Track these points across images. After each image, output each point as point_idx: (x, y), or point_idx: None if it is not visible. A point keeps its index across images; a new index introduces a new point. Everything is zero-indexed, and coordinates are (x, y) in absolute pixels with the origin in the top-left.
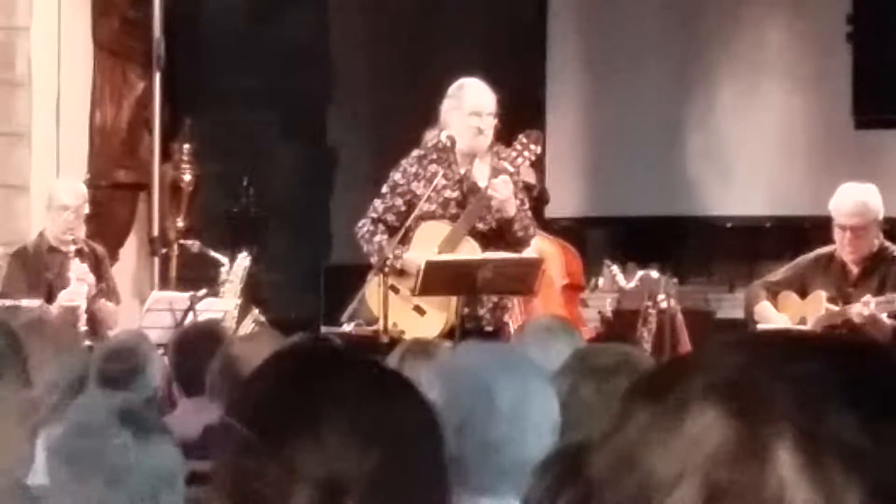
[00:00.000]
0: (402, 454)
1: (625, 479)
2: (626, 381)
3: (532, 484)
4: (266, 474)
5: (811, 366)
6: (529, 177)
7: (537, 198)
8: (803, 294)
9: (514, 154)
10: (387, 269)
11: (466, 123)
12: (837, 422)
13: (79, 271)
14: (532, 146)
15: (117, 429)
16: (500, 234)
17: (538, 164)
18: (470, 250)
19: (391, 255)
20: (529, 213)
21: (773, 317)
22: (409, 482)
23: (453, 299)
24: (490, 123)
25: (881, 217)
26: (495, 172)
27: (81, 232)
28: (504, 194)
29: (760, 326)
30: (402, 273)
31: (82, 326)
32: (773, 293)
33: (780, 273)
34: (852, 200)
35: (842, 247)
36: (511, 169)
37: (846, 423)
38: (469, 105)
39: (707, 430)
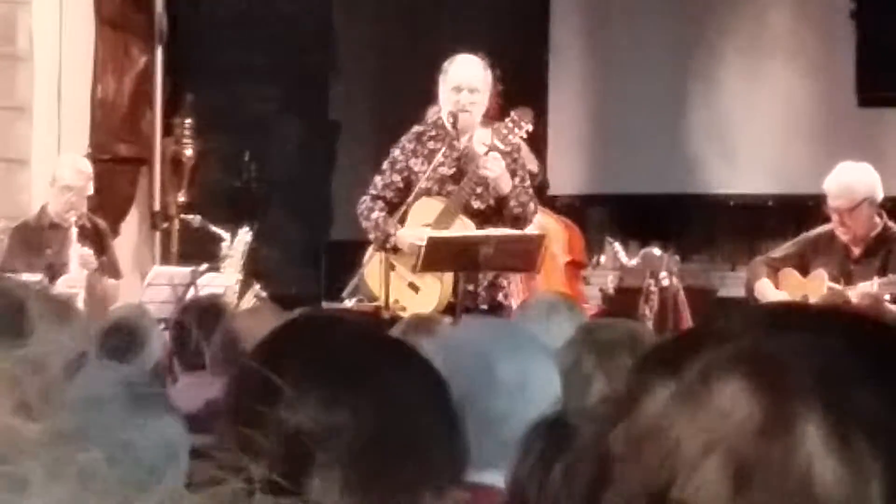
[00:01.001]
0: (403, 419)
1: (648, 453)
2: (629, 357)
3: (518, 455)
4: (254, 426)
5: (829, 339)
6: (532, 164)
7: (538, 187)
8: (805, 271)
9: (504, 131)
10: (388, 246)
11: (449, 98)
12: (861, 396)
13: (80, 256)
14: (522, 123)
15: (120, 404)
16: (498, 212)
17: (535, 142)
18: (462, 228)
19: (392, 232)
20: (530, 191)
21: (772, 295)
22: (411, 446)
23: (446, 277)
24: (473, 99)
25: (877, 196)
26: (486, 150)
27: (83, 207)
28: (495, 172)
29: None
30: (397, 250)
31: (81, 304)
32: (775, 269)
33: (782, 249)
34: (836, 182)
35: (836, 228)
36: (501, 146)
37: (869, 397)
38: (451, 79)
39: (733, 403)
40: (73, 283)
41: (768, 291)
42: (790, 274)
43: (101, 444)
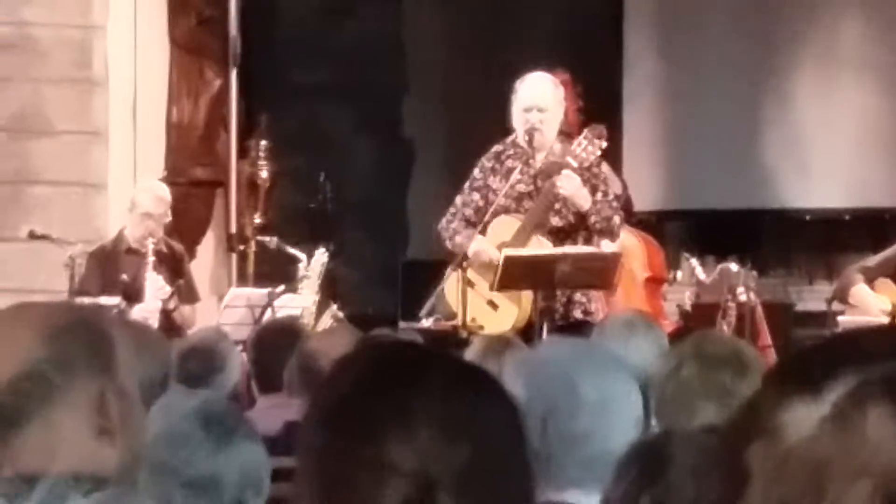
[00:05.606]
0: (490, 449)
1: (793, 473)
2: (732, 375)
3: (615, 477)
4: (358, 466)
5: None
6: (616, 187)
7: (623, 208)
8: None
9: (577, 149)
10: (465, 264)
11: (520, 119)
12: None
13: (155, 286)
14: (596, 140)
15: (202, 435)
16: (579, 228)
17: (610, 158)
18: (537, 246)
19: (467, 249)
20: (615, 204)
21: (872, 300)
22: (497, 477)
23: (524, 294)
24: (542, 118)
25: None
26: (559, 168)
27: (160, 233)
28: (569, 189)
29: (846, 316)
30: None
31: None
32: (869, 279)
33: (877, 259)
34: None
35: None
36: (573, 163)
37: None
38: (521, 99)
39: (886, 428)
40: (146, 313)
41: (867, 296)
42: (885, 283)
43: (180, 478)
